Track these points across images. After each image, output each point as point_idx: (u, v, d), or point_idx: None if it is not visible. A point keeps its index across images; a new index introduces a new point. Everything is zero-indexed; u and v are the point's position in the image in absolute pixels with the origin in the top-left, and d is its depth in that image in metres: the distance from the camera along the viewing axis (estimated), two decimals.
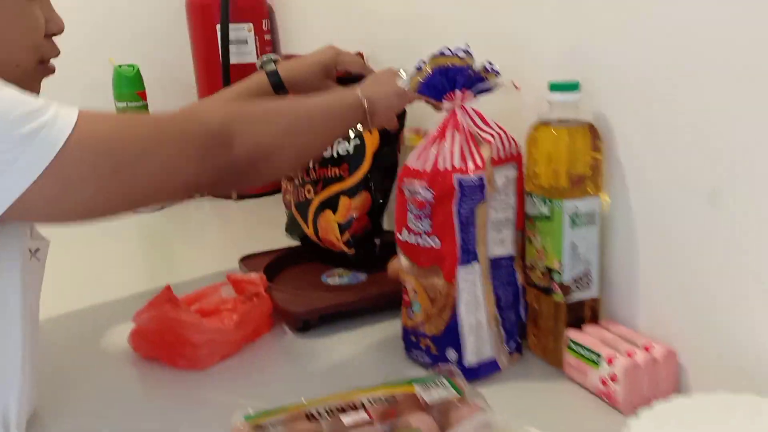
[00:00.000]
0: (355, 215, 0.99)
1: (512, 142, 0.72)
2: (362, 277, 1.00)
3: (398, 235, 0.75)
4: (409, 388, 0.60)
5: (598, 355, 0.65)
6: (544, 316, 0.73)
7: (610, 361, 0.64)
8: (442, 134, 0.71)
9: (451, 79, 0.72)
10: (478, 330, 0.71)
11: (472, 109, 0.72)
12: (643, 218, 0.68)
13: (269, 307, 0.86)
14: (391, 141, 0.99)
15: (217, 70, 1.49)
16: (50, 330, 0.88)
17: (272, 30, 1.62)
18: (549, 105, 0.70)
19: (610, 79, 0.70)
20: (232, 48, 1.48)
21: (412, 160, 0.75)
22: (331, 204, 1.01)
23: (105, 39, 1.63)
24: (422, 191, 0.71)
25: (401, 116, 0.99)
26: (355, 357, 0.80)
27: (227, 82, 1.47)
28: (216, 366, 0.79)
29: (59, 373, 0.78)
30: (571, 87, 0.68)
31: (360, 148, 0.99)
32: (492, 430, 0.54)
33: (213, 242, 1.31)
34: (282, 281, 0.99)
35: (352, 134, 1.00)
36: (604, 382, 0.65)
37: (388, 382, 0.61)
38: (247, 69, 1.51)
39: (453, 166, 0.69)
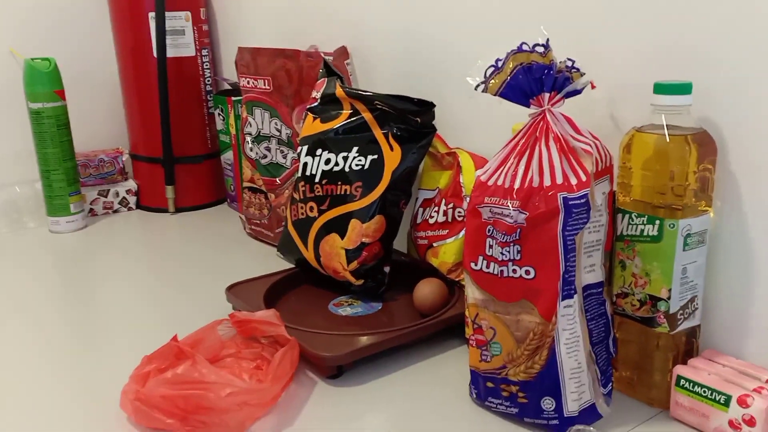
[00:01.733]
0: (366, 241, 0.86)
1: (607, 153, 0.63)
2: (377, 305, 0.87)
3: (471, 265, 0.64)
4: None
5: (726, 395, 0.57)
6: (642, 351, 0.64)
7: (742, 402, 0.57)
8: (530, 144, 0.61)
9: (537, 79, 0.61)
10: (579, 373, 0.61)
11: (562, 115, 0.62)
12: (759, 237, 0.62)
13: (298, 352, 0.71)
14: (415, 157, 0.87)
15: (147, 65, 1.29)
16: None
17: (210, 20, 1.43)
18: (652, 109, 0.62)
19: (721, 78, 0.63)
20: (168, 40, 1.28)
21: (487, 174, 0.63)
22: (339, 226, 0.87)
23: (9, 28, 1.35)
24: (513, 213, 0.60)
25: (427, 123, 0.87)
26: (414, 407, 0.67)
27: (163, 78, 1.28)
28: None
29: None
30: (682, 89, 0.60)
31: (377, 164, 0.86)
32: None
33: (162, 264, 1.11)
34: (285, 313, 0.84)
35: (366, 147, 0.87)
36: (735, 426, 0.57)
37: None
38: (184, 63, 1.32)
39: (554, 182, 0.59)
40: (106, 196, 1.35)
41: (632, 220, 0.63)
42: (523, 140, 0.62)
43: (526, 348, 0.61)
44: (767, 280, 0.61)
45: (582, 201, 0.58)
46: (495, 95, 0.62)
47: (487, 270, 0.63)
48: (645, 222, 0.61)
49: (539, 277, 0.60)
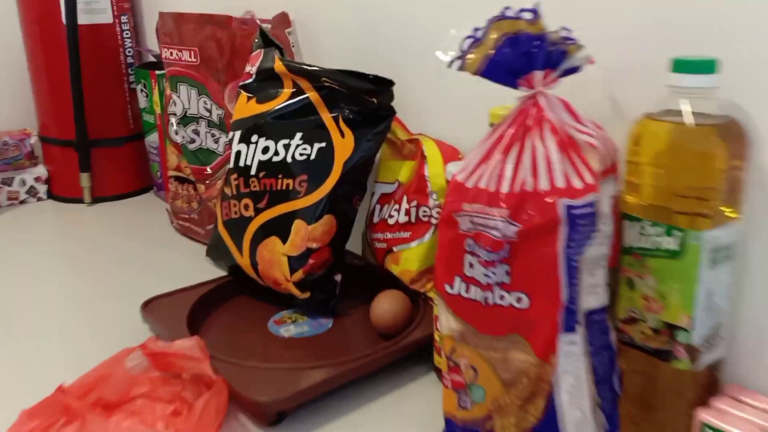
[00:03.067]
0: (313, 246, 0.71)
1: (613, 145, 0.50)
2: (327, 322, 0.73)
3: (446, 288, 0.51)
4: None
5: None
6: (653, 387, 0.53)
7: None
8: (520, 136, 0.48)
9: (526, 53, 0.48)
10: (584, 425, 0.49)
11: (558, 99, 0.49)
12: None
13: (226, 397, 0.57)
14: (371, 145, 0.72)
15: (56, 34, 1.10)
16: None
17: None
18: (669, 91, 0.49)
19: (747, 56, 0.51)
20: (79, 5, 1.09)
21: (465, 173, 0.50)
22: (280, 229, 0.72)
23: None
24: (500, 224, 0.47)
25: (385, 105, 0.73)
26: None
27: (74, 49, 1.09)
28: None
29: None
30: (707, 67, 0.48)
31: (326, 153, 0.71)
32: None
33: (74, 266, 0.94)
34: (212, 338, 0.69)
35: (312, 133, 0.72)
36: None
37: None
38: (100, 32, 1.14)
39: (553, 186, 0.46)
40: (10, 185, 1.16)
41: (644, 230, 0.50)
42: (511, 131, 0.48)
43: (518, 395, 0.49)
44: None
45: (589, 210, 0.46)
46: (474, 74, 0.48)
47: (466, 295, 0.50)
48: (662, 233, 0.49)
49: (534, 305, 0.47)
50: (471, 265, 0.49)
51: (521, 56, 0.48)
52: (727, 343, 0.53)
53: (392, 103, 0.73)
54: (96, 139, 1.15)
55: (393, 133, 0.76)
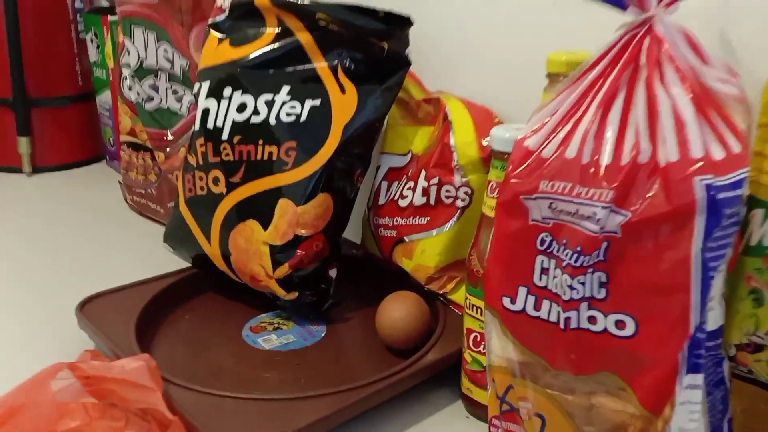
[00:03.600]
0: (303, 234, 0.55)
1: (748, 103, 0.35)
2: (319, 331, 0.57)
3: (504, 302, 0.35)
4: None
5: None
6: None
7: None
8: (628, 82, 0.32)
9: None
10: None
11: (679, 29, 0.34)
12: None
13: None
14: (379, 104, 0.56)
15: None
16: None
17: None
18: None
19: None
20: None
21: (535, 137, 0.34)
22: (260, 210, 0.56)
23: None
24: (599, 213, 0.31)
25: (398, 53, 0.57)
26: None
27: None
28: None
29: None
30: None
31: (321, 115, 0.55)
32: None
33: (6, 249, 0.76)
34: (168, 354, 0.53)
35: (302, 88, 0.56)
36: None
37: None
38: None
39: (686, 156, 0.30)
40: None
41: None
42: (614, 74, 0.33)
43: None
44: None
45: (737, 192, 0.31)
46: None
47: (535, 313, 0.34)
48: None
49: (644, 333, 0.32)
50: (546, 272, 0.34)
51: None
52: None
53: (407, 52, 0.57)
54: (37, 97, 0.97)
55: (406, 90, 0.60)
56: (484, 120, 0.56)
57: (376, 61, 0.57)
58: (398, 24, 0.56)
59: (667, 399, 0.32)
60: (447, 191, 0.56)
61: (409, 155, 0.60)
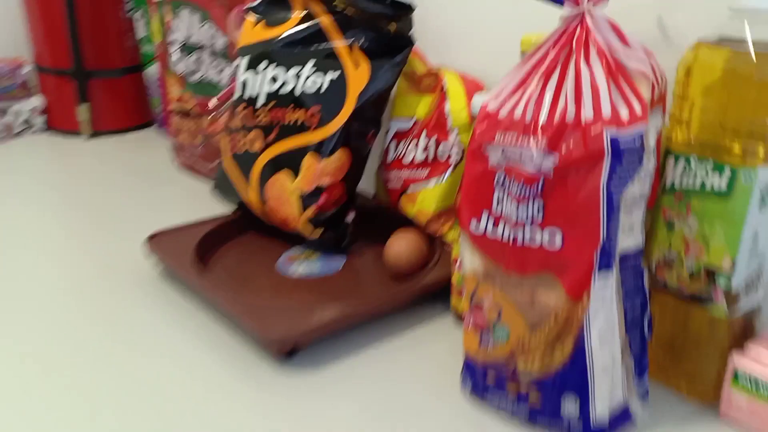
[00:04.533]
0: (325, 183, 0.68)
1: (663, 74, 0.46)
2: (338, 262, 0.70)
3: (471, 225, 0.47)
4: None
5: None
6: (685, 334, 0.50)
7: None
8: (563, 59, 0.44)
9: None
10: (613, 368, 0.47)
11: (606, 19, 0.45)
12: None
13: None
14: (388, 76, 0.68)
15: None
16: None
17: None
18: (731, 15, 0.45)
19: None
20: None
21: (498, 100, 0.46)
22: (290, 164, 0.68)
23: None
24: (536, 156, 0.43)
25: (403, 33, 0.68)
26: (388, 399, 0.52)
27: None
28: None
29: None
30: None
31: (339, 85, 0.67)
32: None
33: (74, 201, 0.90)
34: (219, 275, 0.67)
35: (324, 63, 0.67)
36: None
37: None
38: None
39: (599, 114, 0.42)
40: (5, 115, 1.11)
41: (689, 168, 0.47)
42: (553, 53, 0.44)
43: (544, 336, 0.46)
44: None
45: (636, 142, 0.42)
46: None
47: (493, 233, 0.46)
48: (709, 170, 0.46)
49: (568, 244, 0.44)
50: (500, 201, 0.46)
51: None
52: (765, 291, 0.50)
53: (411, 32, 0.69)
54: (94, 69, 1.10)
55: (410, 65, 0.71)
56: (474, 90, 0.67)
57: (385, 40, 0.68)
58: (404, 9, 0.68)
59: (585, 290, 0.44)
60: (442, 149, 0.68)
61: (413, 119, 0.72)
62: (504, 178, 0.45)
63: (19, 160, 1.04)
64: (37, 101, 1.14)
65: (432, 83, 0.70)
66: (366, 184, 0.77)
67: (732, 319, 0.48)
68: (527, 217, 0.45)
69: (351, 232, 0.71)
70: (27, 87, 1.15)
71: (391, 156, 0.73)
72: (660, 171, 0.49)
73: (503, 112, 0.45)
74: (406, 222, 0.70)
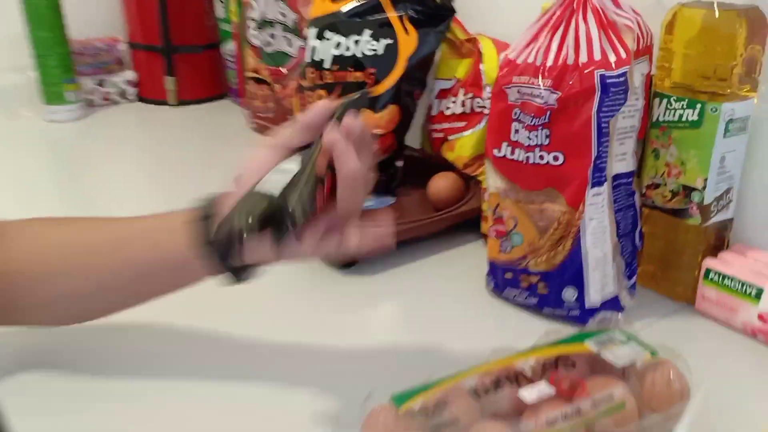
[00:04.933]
0: (378, 132, 0.81)
1: (648, 30, 0.58)
2: (390, 200, 0.84)
3: (494, 152, 0.60)
4: (580, 346, 0.47)
5: (758, 288, 0.55)
6: (670, 245, 0.62)
7: None
8: (566, 18, 0.56)
9: None
10: (604, 264, 0.59)
11: None
12: None
13: None
14: (433, 42, 0.80)
15: None
16: None
17: None
18: None
19: None
20: None
21: (516, 51, 0.58)
22: None
23: None
24: (544, 93, 0.55)
25: (445, 4, 0.81)
26: (427, 297, 0.65)
27: None
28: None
29: None
30: None
31: (391, 49, 0.79)
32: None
33: (164, 157, 1.06)
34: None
35: (379, 31, 0.81)
36: (764, 319, 0.55)
37: (551, 341, 0.47)
38: None
39: (591, 59, 0.54)
40: (103, 86, 1.29)
41: (670, 105, 0.58)
42: (558, 13, 0.56)
43: (550, 238, 0.59)
44: None
45: (621, 80, 0.54)
46: None
47: (511, 157, 0.59)
48: (684, 106, 0.57)
49: (568, 163, 0.56)
50: (516, 131, 0.58)
51: None
52: (735, 206, 0.61)
53: (452, 3, 0.81)
54: (178, 45, 1.26)
55: (452, 33, 0.84)
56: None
57: (430, 11, 0.80)
58: None
59: (581, 200, 0.56)
60: (478, 103, 0.80)
61: (454, 80, 0.84)
62: (519, 112, 0.57)
63: (115, 125, 1.21)
64: (130, 74, 1.31)
65: (470, 48, 0.83)
66: (413, 139, 0.90)
67: (705, 227, 0.59)
68: (537, 143, 0.57)
69: (399, 176, 0.85)
70: (122, 62, 1.33)
71: (434, 111, 0.85)
72: (648, 109, 0.60)
73: (520, 60, 0.58)
74: (446, 166, 0.83)
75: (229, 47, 1.26)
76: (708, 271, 0.58)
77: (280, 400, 0.51)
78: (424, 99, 0.85)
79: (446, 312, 0.63)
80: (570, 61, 0.55)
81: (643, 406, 0.43)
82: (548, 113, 0.56)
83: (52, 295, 0.49)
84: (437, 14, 0.81)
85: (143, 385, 0.53)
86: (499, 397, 0.42)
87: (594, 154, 0.55)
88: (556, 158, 0.56)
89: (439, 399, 0.41)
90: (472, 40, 0.83)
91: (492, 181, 0.62)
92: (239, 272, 0.48)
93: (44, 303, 0.49)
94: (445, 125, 0.84)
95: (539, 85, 0.55)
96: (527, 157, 0.58)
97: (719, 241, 0.61)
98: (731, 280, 0.57)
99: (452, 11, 0.81)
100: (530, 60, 0.57)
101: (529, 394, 0.42)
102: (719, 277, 0.58)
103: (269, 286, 0.57)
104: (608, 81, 0.53)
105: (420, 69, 0.82)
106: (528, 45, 0.58)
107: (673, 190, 0.60)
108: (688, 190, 0.59)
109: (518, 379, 0.43)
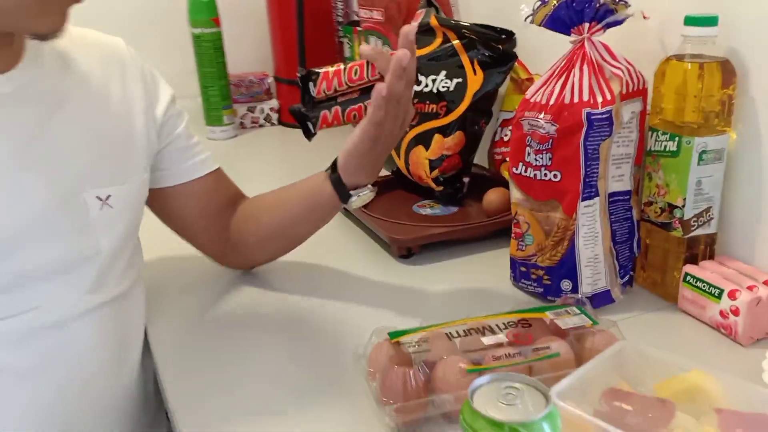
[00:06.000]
0: (447, 153, 0.99)
1: (640, 77, 0.71)
2: (453, 209, 1.01)
3: (513, 169, 0.76)
4: (541, 315, 0.62)
5: (720, 289, 0.66)
6: (659, 252, 0.74)
7: (732, 295, 0.65)
8: (568, 68, 0.71)
9: (579, 11, 0.71)
10: (595, 263, 0.72)
11: (600, 43, 0.71)
12: None
13: None
14: (495, 81, 0.98)
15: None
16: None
17: None
18: (682, 39, 0.69)
19: (748, 13, 0.68)
20: None
21: (531, 93, 0.75)
22: (424, 140, 1.01)
23: None
24: (546, 125, 0.71)
25: (508, 50, 0.98)
26: (463, 285, 0.82)
27: (301, 10, 1.46)
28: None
29: None
30: (709, 21, 0.67)
31: (461, 87, 0.98)
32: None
33: (298, 170, 1.32)
34: (376, 210, 1.02)
35: (452, 71, 1.00)
36: (724, 315, 0.66)
37: (519, 309, 0.63)
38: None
39: (581, 100, 0.69)
40: (253, 112, 1.59)
41: (658, 137, 0.71)
42: (563, 64, 0.72)
43: (552, 239, 0.73)
44: None
45: (605, 116, 0.68)
46: (539, 25, 0.72)
47: (525, 174, 0.75)
48: (667, 139, 0.70)
49: (564, 180, 0.71)
50: (528, 154, 0.74)
51: (574, 13, 0.71)
52: (719, 223, 0.72)
53: (515, 50, 0.98)
54: None
55: (516, 72, 1.00)
56: None
57: (496, 56, 0.98)
58: (508, 34, 0.97)
59: (574, 210, 0.70)
60: None
61: (515, 111, 1.00)
62: (530, 139, 0.73)
63: (261, 144, 1.50)
64: (275, 103, 1.61)
65: (529, 86, 0.98)
66: (482, 159, 1.07)
67: (686, 238, 0.71)
68: (542, 163, 0.72)
69: (465, 189, 1.02)
70: (269, 92, 1.63)
71: (497, 137, 1.02)
72: (644, 140, 0.73)
73: (533, 99, 0.74)
74: (502, 182, 0.99)
75: None
76: (686, 274, 0.70)
77: (332, 335, 0.72)
78: (490, 127, 1.02)
79: (476, 295, 0.80)
80: (566, 100, 0.70)
81: (581, 359, 0.58)
82: (550, 141, 0.71)
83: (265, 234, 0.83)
84: (501, 58, 0.98)
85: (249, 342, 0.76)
86: (467, 341, 0.59)
87: (582, 173, 0.69)
88: (555, 176, 0.71)
89: (422, 337, 0.59)
90: (531, 79, 0.99)
91: (513, 192, 0.78)
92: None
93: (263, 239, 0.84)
94: (504, 149, 1.00)
95: (543, 119, 0.71)
96: (535, 174, 0.73)
97: (703, 251, 0.72)
98: (702, 282, 0.68)
99: (514, 56, 0.98)
100: (539, 99, 0.72)
101: (487, 339, 0.58)
102: (694, 280, 0.69)
103: (345, 269, 0.79)
104: (593, 117, 0.68)
105: (484, 102, 0.99)
106: (540, 87, 0.74)
107: (662, 207, 0.72)
108: (672, 207, 0.71)
109: (485, 331, 0.60)
